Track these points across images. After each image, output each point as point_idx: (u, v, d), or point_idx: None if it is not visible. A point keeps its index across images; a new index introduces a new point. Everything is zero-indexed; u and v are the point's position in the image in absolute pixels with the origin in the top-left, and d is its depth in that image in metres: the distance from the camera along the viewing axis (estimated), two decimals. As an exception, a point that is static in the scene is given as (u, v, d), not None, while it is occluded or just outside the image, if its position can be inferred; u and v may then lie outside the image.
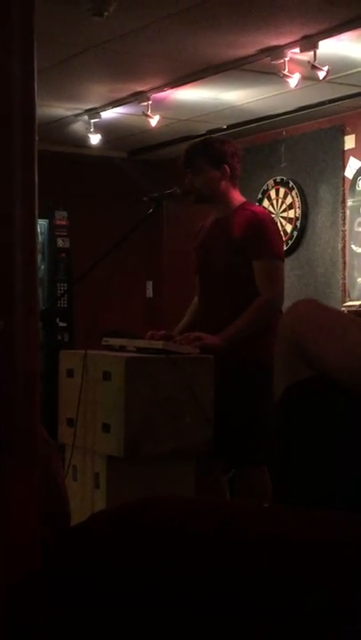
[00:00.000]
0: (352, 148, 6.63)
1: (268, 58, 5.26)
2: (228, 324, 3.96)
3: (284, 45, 5.12)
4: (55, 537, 1.21)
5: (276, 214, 7.05)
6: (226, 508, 1.30)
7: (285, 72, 5.30)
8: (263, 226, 4.05)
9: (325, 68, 5.17)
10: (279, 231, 4.57)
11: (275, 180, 7.18)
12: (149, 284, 8.70)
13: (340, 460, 1.30)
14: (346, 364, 1.36)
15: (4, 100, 1.05)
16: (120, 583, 1.13)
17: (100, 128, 6.97)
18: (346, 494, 1.29)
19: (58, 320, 7.71)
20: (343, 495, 1.29)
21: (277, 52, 5.19)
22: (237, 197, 4.17)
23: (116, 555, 1.14)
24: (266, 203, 7.21)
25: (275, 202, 7.18)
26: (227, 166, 4.09)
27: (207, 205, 4.25)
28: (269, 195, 7.23)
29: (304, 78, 5.41)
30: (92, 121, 6.86)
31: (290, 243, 6.89)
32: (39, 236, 7.53)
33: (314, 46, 5.03)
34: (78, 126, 7.16)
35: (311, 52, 5.08)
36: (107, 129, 7.02)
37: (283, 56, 5.19)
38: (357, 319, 1.49)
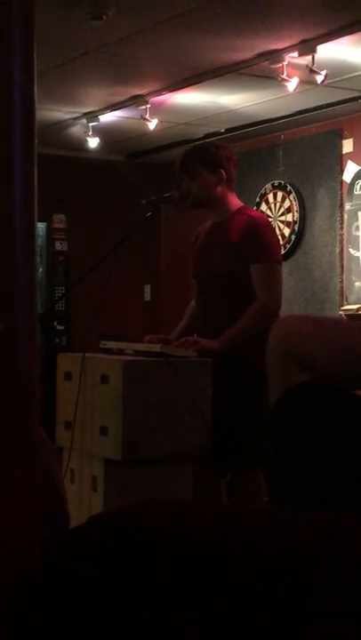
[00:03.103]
0: (350, 152, 6.64)
1: (267, 62, 5.27)
2: (226, 328, 3.96)
3: (283, 49, 5.13)
4: (55, 538, 1.21)
5: (274, 218, 7.06)
6: (224, 511, 1.31)
7: (284, 76, 5.31)
8: (260, 230, 4.05)
9: (324, 72, 5.18)
10: (276, 235, 4.57)
11: (273, 184, 7.19)
12: (147, 288, 8.70)
13: (335, 463, 1.31)
14: (336, 358, 1.39)
15: (5, 104, 1.06)
16: (119, 585, 1.14)
17: (99, 131, 6.98)
18: (341, 497, 1.29)
19: (56, 323, 7.72)
20: (338, 498, 1.29)
21: (276, 56, 5.19)
22: (234, 202, 4.17)
23: (114, 557, 1.15)
24: (264, 206, 7.21)
25: (273, 205, 7.19)
26: (223, 171, 4.09)
27: (204, 210, 4.26)
28: (267, 198, 7.24)
29: (302, 82, 5.41)
30: (91, 124, 6.87)
31: (288, 246, 6.90)
32: (37, 239, 7.52)
33: (312, 50, 5.04)
34: (77, 130, 7.16)
35: (310, 57, 5.09)
36: (105, 132, 7.03)
37: (281, 60, 5.20)
38: (342, 319, 1.51)
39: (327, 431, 1.32)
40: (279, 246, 4.43)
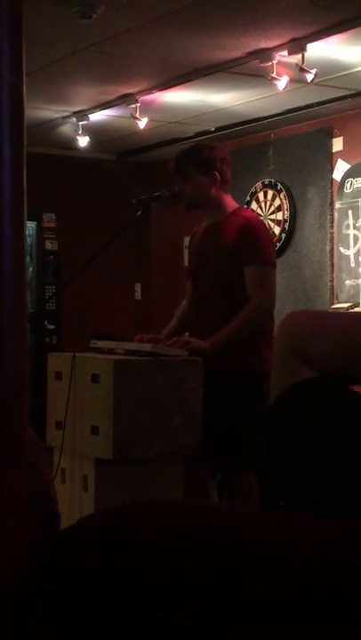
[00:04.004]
0: (340, 151, 6.64)
1: (257, 60, 5.27)
2: (219, 328, 3.96)
3: (273, 48, 5.13)
4: (45, 539, 1.20)
5: (265, 217, 7.06)
6: (216, 512, 1.30)
7: (274, 75, 5.31)
8: (255, 232, 4.05)
9: (314, 71, 5.18)
10: (271, 237, 4.57)
11: (263, 183, 7.19)
12: (138, 287, 8.70)
13: (334, 462, 1.30)
14: (336, 355, 1.38)
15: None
16: (109, 587, 1.13)
17: (89, 130, 6.97)
18: (338, 497, 1.29)
19: (46, 322, 7.71)
20: (335, 498, 1.29)
21: (266, 54, 5.19)
22: (229, 203, 4.17)
23: (105, 559, 1.14)
24: (254, 205, 7.22)
25: (263, 204, 7.19)
26: (216, 172, 4.09)
27: (199, 212, 4.25)
28: (258, 197, 7.24)
29: (292, 81, 5.42)
30: (81, 123, 6.86)
31: (278, 245, 6.90)
32: (27, 238, 7.52)
33: (302, 49, 5.04)
34: (66, 128, 7.15)
35: (299, 55, 5.09)
36: (95, 131, 7.02)
37: (271, 59, 5.20)
38: (352, 314, 1.51)
39: (327, 430, 1.31)
40: (273, 248, 4.43)
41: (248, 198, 7.24)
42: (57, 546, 1.20)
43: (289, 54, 5.12)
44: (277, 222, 7.04)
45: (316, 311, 1.54)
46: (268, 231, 4.76)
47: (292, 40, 5.02)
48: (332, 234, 6.64)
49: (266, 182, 7.17)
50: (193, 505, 1.47)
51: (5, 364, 1.09)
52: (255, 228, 4.08)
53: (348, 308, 6.36)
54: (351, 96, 6.07)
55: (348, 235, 6.50)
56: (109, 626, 1.12)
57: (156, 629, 1.11)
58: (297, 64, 5.15)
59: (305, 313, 1.58)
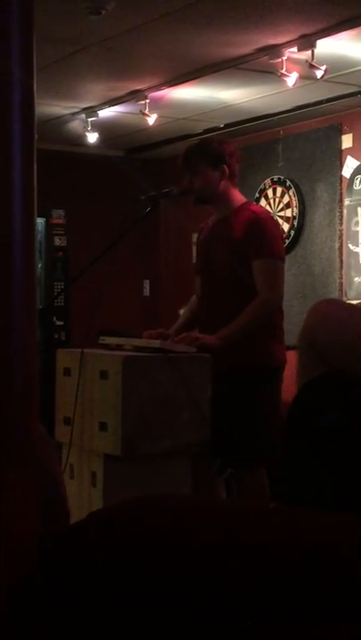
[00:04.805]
0: (350, 148, 6.63)
1: (266, 57, 5.26)
2: (228, 324, 3.95)
3: (282, 44, 5.12)
4: (54, 535, 1.21)
5: (274, 213, 7.05)
6: (224, 508, 1.30)
7: (283, 71, 5.30)
8: (263, 226, 4.04)
9: (323, 67, 5.17)
10: (280, 232, 4.56)
11: (272, 179, 7.18)
12: (146, 283, 8.70)
13: (348, 460, 1.30)
14: (351, 353, 1.38)
15: (4, 100, 1.05)
16: (118, 582, 1.13)
17: (98, 127, 6.97)
18: (351, 494, 1.29)
19: (55, 319, 7.71)
20: (348, 495, 1.29)
21: (275, 50, 5.18)
22: (238, 197, 4.16)
23: (114, 554, 1.14)
24: (263, 202, 7.21)
25: (272, 201, 7.18)
26: (225, 167, 4.08)
27: (208, 206, 4.25)
28: (266, 194, 7.23)
29: (302, 77, 5.40)
30: (90, 119, 6.86)
31: (287, 242, 6.89)
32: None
33: (312, 45, 5.03)
34: (75, 125, 7.15)
35: (309, 51, 5.08)
36: (104, 127, 7.01)
37: (280, 55, 5.19)
38: None
39: (341, 427, 1.31)
40: (282, 243, 4.42)
41: (257, 195, 7.23)
42: (66, 540, 1.20)
43: (299, 50, 5.10)
44: (286, 219, 7.03)
45: (343, 303, 1.50)
46: (277, 225, 4.75)
47: (302, 36, 5.01)
48: (341, 231, 6.63)
49: (275, 179, 7.16)
50: (201, 501, 1.47)
51: (15, 360, 1.09)
52: (264, 222, 4.07)
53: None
54: (361, 92, 6.07)
55: (358, 232, 6.49)
56: (117, 620, 1.12)
57: (162, 624, 1.11)
58: (306, 60, 5.14)
59: (331, 304, 1.56)
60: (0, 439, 1.06)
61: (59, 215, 7.99)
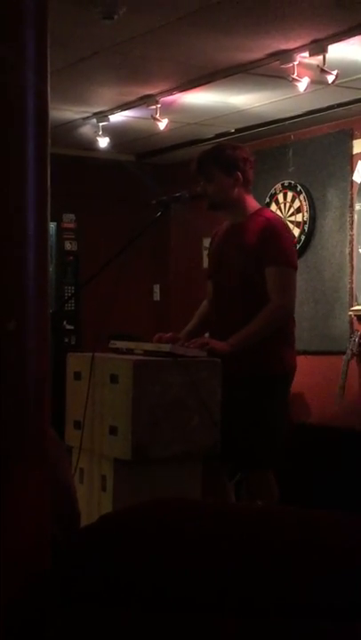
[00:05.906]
0: (360, 153, 6.63)
1: (278, 62, 5.26)
2: (240, 329, 3.95)
3: (294, 49, 5.12)
4: (65, 536, 1.21)
5: (284, 218, 7.04)
6: (233, 511, 1.31)
7: (294, 76, 5.30)
8: (277, 233, 4.04)
9: (335, 72, 5.17)
10: (293, 239, 4.57)
11: (283, 184, 7.18)
12: (157, 288, 8.70)
13: None
14: None
15: (18, 104, 1.06)
16: (129, 584, 1.14)
17: (109, 131, 6.98)
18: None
19: (65, 323, 7.73)
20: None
21: (286, 55, 5.19)
22: (252, 204, 4.16)
23: (125, 556, 1.15)
24: (274, 207, 7.20)
25: (282, 206, 7.18)
26: (239, 173, 4.09)
27: (221, 212, 4.25)
28: (277, 199, 7.23)
29: (313, 82, 5.40)
30: (101, 124, 6.87)
31: (297, 247, 6.88)
32: (47, 238, 7.53)
33: (323, 50, 5.03)
34: (87, 129, 7.16)
35: (320, 56, 5.08)
36: (115, 132, 7.03)
37: (292, 60, 5.19)
38: None
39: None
40: (295, 250, 4.41)
41: (268, 200, 7.23)
42: (78, 543, 1.20)
43: (310, 55, 5.11)
44: (297, 224, 7.03)
45: None
46: (291, 232, 4.75)
47: (314, 41, 5.01)
48: (351, 236, 6.62)
49: (286, 184, 7.16)
50: (211, 504, 1.48)
51: (27, 363, 1.10)
52: (277, 230, 4.07)
53: (367, 311, 6.35)
54: (372, 98, 6.06)
55: (368, 237, 6.48)
56: (128, 621, 1.13)
57: (175, 624, 1.11)
58: (318, 65, 5.14)
59: None
60: (14, 439, 1.07)
61: (69, 220, 8.01)
